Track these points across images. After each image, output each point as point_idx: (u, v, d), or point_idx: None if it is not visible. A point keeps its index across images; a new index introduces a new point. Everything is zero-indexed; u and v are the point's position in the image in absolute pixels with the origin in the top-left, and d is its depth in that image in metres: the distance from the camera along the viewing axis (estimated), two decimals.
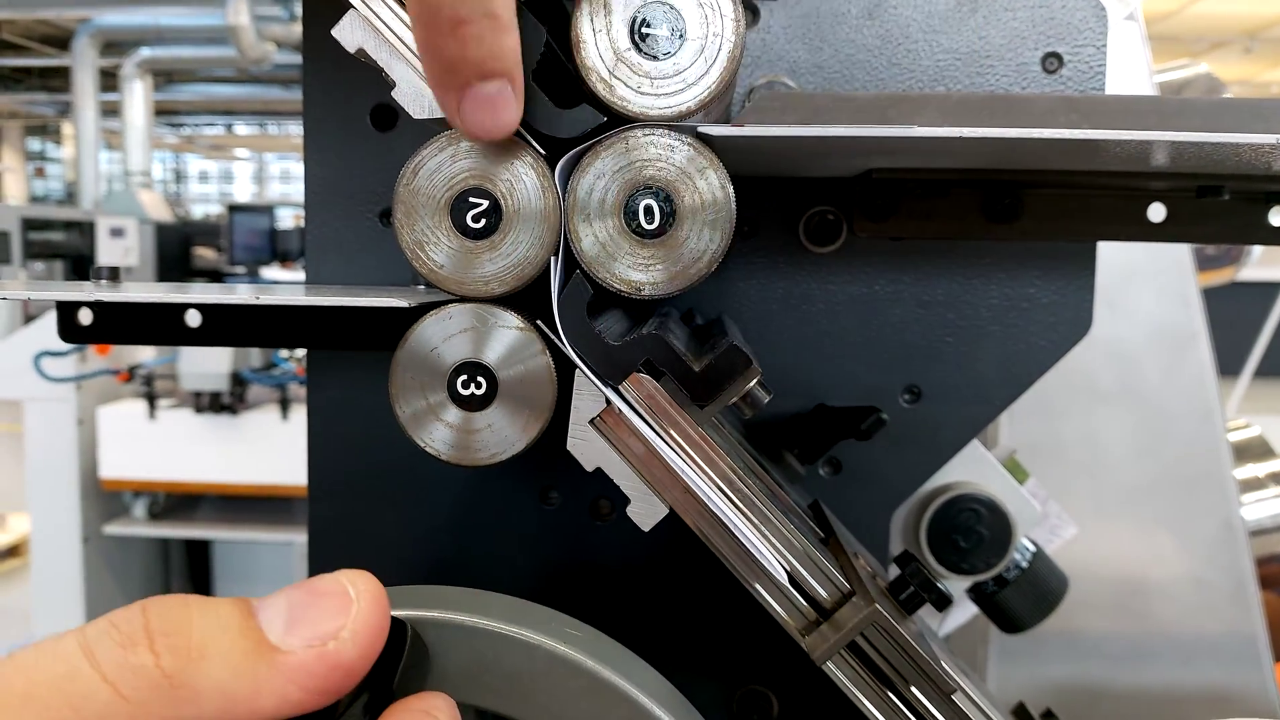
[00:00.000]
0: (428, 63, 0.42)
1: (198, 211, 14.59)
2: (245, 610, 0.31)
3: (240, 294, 0.49)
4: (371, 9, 0.46)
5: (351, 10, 0.46)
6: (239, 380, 3.01)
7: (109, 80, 10.16)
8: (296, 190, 20.27)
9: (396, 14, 0.46)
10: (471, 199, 0.46)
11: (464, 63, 0.41)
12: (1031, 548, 0.72)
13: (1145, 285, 1.11)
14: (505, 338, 0.47)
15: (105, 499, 3.21)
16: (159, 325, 0.56)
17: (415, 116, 0.46)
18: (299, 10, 0.67)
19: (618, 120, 0.46)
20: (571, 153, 0.46)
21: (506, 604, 0.45)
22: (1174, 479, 1.12)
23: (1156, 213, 0.61)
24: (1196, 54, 10.70)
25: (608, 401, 0.46)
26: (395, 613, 0.41)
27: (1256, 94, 12.96)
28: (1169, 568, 1.12)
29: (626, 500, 0.48)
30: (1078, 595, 0.81)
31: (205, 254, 7.58)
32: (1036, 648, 1.09)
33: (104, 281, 0.57)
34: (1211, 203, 0.60)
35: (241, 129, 18.16)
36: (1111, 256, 1.05)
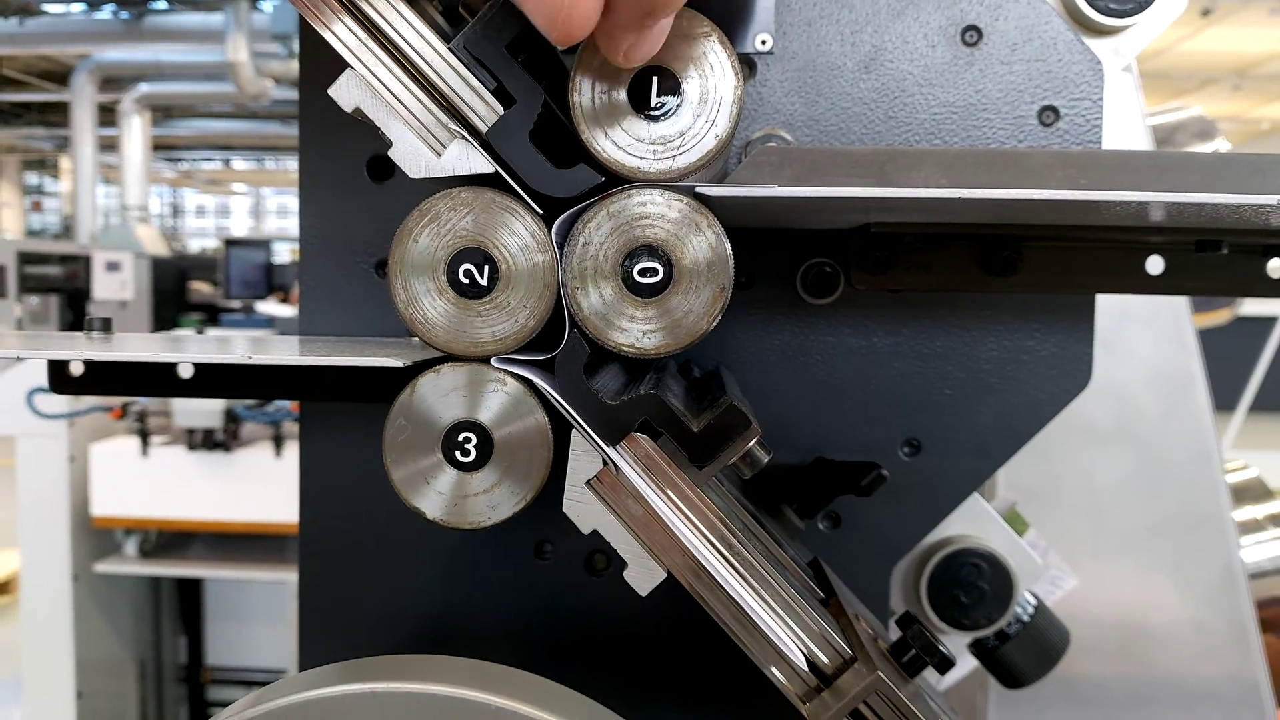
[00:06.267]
0: (629, 10, 0.41)
1: (194, 246, 14.62)
2: None
3: (233, 352, 0.49)
4: (369, 68, 0.45)
5: (348, 69, 0.46)
6: (232, 417, 3.00)
7: (107, 115, 10.21)
8: (294, 224, 20.35)
9: (394, 73, 0.46)
10: (469, 258, 0.46)
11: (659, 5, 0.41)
12: (1033, 601, 0.71)
13: (1141, 328, 1.11)
14: (499, 397, 0.47)
15: (96, 536, 3.18)
16: (151, 377, 0.55)
17: (412, 176, 0.46)
18: (298, 47, 0.66)
19: (615, 180, 0.46)
20: (567, 214, 0.46)
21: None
22: (1173, 523, 1.11)
23: (1155, 265, 0.61)
24: (1186, 91, 10.80)
25: (605, 462, 0.46)
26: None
27: (1246, 130, 13.08)
28: (1169, 612, 1.11)
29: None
30: (1077, 641, 0.79)
31: (201, 288, 7.59)
32: (1036, 694, 1.08)
33: (96, 333, 0.56)
34: (1210, 255, 0.60)
35: (239, 164, 18.23)
36: (1107, 298, 1.05)
